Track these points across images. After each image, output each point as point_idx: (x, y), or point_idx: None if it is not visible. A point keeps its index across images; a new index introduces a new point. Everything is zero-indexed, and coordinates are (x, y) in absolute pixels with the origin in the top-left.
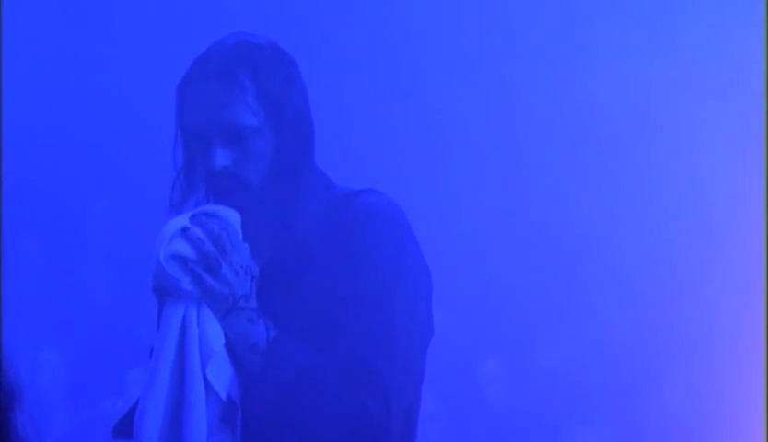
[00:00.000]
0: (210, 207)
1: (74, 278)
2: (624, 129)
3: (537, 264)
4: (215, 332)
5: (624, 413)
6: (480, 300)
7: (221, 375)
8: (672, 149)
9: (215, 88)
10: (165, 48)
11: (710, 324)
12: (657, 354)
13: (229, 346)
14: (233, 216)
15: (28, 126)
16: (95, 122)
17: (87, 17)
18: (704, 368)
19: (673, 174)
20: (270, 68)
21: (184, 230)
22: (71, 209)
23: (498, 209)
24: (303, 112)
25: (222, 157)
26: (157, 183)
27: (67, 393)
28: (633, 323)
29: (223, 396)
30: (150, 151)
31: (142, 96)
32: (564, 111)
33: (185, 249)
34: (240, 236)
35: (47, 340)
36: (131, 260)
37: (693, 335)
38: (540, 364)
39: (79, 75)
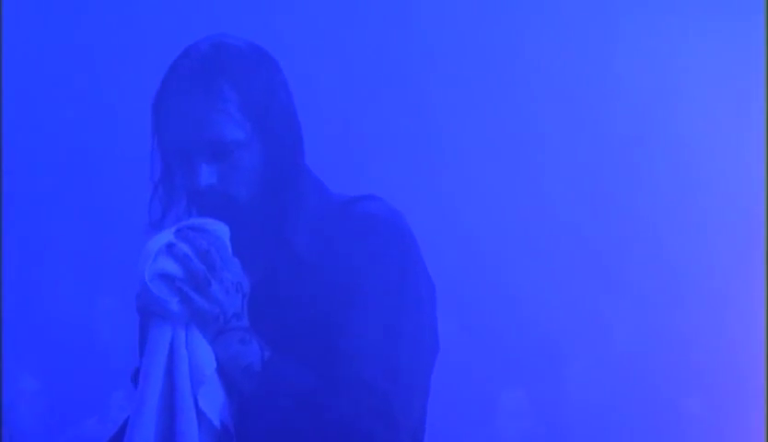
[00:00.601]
0: (196, 221)
1: (54, 296)
2: (626, 135)
3: (557, 282)
4: (206, 355)
5: None
6: (493, 322)
7: (213, 401)
8: (674, 153)
9: (195, 101)
10: (148, 49)
11: (741, 345)
12: (689, 384)
13: (221, 369)
14: (221, 230)
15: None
16: (64, 146)
17: (68, 21)
18: (740, 398)
19: (692, 188)
20: (252, 73)
21: (170, 247)
22: (49, 231)
23: (511, 219)
24: (290, 116)
25: (207, 175)
26: (138, 199)
27: (47, 415)
28: (666, 353)
29: (216, 423)
30: (129, 167)
31: (123, 101)
32: (568, 114)
33: (171, 267)
34: (230, 250)
35: (26, 362)
36: (113, 278)
37: (726, 359)
38: (565, 395)
39: (60, 82)
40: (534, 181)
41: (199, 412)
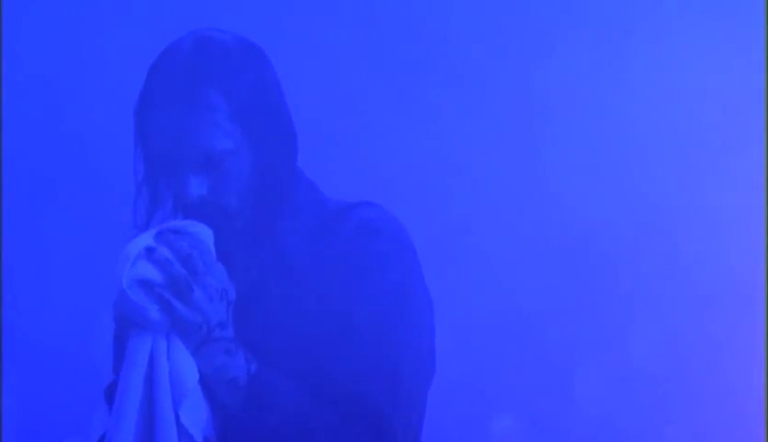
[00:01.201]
0: (178, 223)
1: (43, 305)
2: (634, 137)
3: (561, 300)
4: (188, 367)
5: None
6: (491, 344)
7: (196, 416)
8: (684, 154)
9: (181, 111)
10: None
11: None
12: (698, 412)
13: (204, 382)
14: (204, 232)
15: None
16: (62, 149)
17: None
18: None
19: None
20: (240, 73)
21: (149, 251)
22: (27, 234)
23: (514, 224)
24: (281, 116)
25: (196, 187)
26: (120, 203)
27: (29, 432)
28: (671, 376)
29: (199, 440)
30: (109, 174)
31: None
32: (570, 117)
33: (151, 272)
34: (213, 254)
35: (9, 375)
36: (108, 288)
37: (740, 386)
38: (563, 421)
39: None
40: (536, 185)
41: (180, 428)
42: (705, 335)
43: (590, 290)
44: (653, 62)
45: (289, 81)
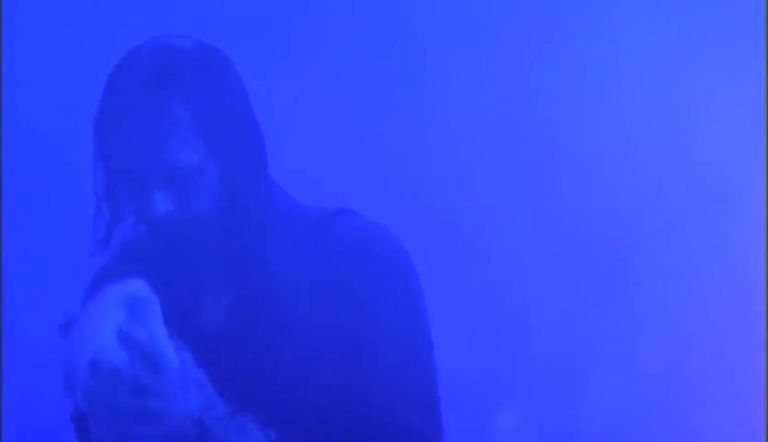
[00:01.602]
0: (109, 293)
1: (31, 306)
2: (646, 141)
3: (564, 294)
4: None
5: None
6: (493, 337)
7: None
8: (693, 157)
9: (142, 126)
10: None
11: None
12: (701, 411)
13: None
14: (142, 291)
15: None
16: (62, 150)
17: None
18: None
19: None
20: (202, 81)
21: (94, 364)
22: (28, 234)
23: (518, 226)
24: (247, 121)
25: (162, 203)
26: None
27: (23, 435)
28: (680, 366)
29: None
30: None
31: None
32: (568, 117)
33: (106, 388)
34: (164, 330)
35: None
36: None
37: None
38: (570, 416)
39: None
40: (533, 181)
41: None
42: (712, 335)
43: (596, 286)
44: (652, 61)
45: (254, 83)
